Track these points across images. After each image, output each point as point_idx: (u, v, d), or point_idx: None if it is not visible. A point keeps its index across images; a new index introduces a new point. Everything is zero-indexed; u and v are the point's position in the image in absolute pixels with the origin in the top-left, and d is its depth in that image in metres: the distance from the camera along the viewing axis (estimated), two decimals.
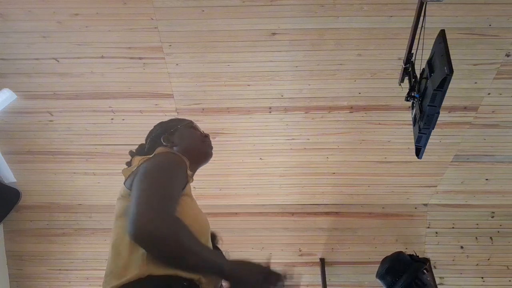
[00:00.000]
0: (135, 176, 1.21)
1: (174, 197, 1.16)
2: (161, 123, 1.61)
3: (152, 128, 1.61)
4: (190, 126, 1.57)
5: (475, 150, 3.58)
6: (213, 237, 2.27)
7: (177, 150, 1.42)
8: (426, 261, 2.48)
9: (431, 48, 2.14)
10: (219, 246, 2.21)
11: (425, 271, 2.43)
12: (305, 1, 2.80)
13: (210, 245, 1.27)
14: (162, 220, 1.03)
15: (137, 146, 1.55)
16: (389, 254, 2.61)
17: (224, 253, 2.20)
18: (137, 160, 1.31)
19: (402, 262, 2.45)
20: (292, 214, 4.05)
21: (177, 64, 3.13)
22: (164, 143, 1.47)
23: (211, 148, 1.54)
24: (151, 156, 1.31)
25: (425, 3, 2.05)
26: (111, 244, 1.18)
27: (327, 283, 3.97)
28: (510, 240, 4.02)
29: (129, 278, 1.06)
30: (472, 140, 3.50)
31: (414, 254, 2.51)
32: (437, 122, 2.08)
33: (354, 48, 3.03)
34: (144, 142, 1.58)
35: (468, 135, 3.47)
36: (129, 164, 1.43)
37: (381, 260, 2.65)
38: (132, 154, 1.51)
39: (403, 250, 4.10)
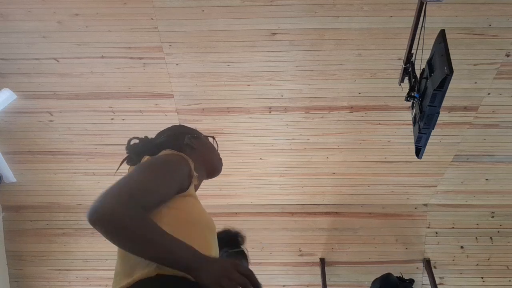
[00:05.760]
0: None
1: (158, 193, 1.14)
2: (183, 125, 1.60)
3: (170, 126, 1.57)
4: (212, 140, 1.60)
5: (475, 150, 3.58)
6: (235, 236, 2.24)
7: (194, 155, 1.40)
8: (412, 282, 2.64)
9: (431, 48, 2.14)
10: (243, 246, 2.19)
11: None
12: (305, 1, 2.80)
13: (216, 246, 1.26)
14: (124, 209, 1.01)
15: (136, 141, 1.46)
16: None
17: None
18: (145, 159, 1.31)
19: (390, 284, 2.61)
20: (292, 214, 4.05)
21: (177, 64, 3.13)
22: (186, 142, 1.45)
23: (222, 166, 1.58)
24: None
25: (425, 3, 2.05)
26: None
27: (327, 283, 3.97)
28: (510, 240, 4.02)
29: (138, 277, 1.06)
30: (472, 140, 3.50)
31: (401, 276, 2.67)
32: (437, 122, 2.08)
33: (354, 48, 3.03)
34: (150, 137, 1.54)
35: (468, 135, 3.47)
36: (134, 164, 1.41)
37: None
38: (131, 150, 1.44)
39: (403, 250, 4.14)
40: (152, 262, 1.05)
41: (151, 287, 1.04)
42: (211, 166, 1.51)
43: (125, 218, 1.01)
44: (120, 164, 1.42)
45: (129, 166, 1.38)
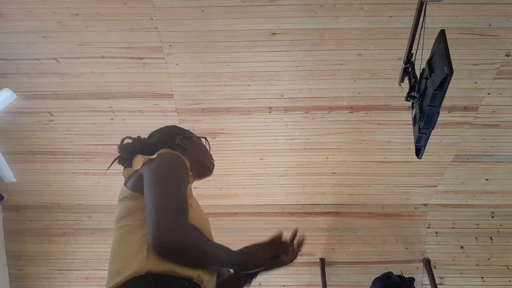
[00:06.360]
0: (142, 178, 1.21)
1: (187, 201, 1.18)
2: (176, 126, 1.61)
3: (163, 126, 1.58)
4: (205, 141, 1.60)
5: (475, 150, 3.58)
6: None
7: (185, 155, 1.41)
8: (413, 280, 2.65)
9: (431, 48, 2.14)
10: None
11: None
12: (305, 1, 2.80)
13: None
14: (184, 230, 1.07)
15: (129, 140, 1.48)
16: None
17: None
18: (140, 161, 1.30)
19: (391, 284, 2.62)
20: (292, 214, 4.05)
21: (177, 64, 3.13)
22: (177, 142, 1.46)
23: (214, 167, 1.58)
24: (154, 157, 1.31)
25: (425, 3, 2.05)
26: (112, 246, 1.19)
27: (327, 283, 3.97)
28: (510, 240, 4.02)
29: (128, 275, 1.07)
30: (472, 140, 3.50)
31: (401, 274, 2.69)
32: (437, 122, 2.08)
33: (354, 48, 3.03)
34: (143, 136, 1.54)
35: (468, 135, 3.47)
36: (125, 163, 1.41)
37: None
38: (123, 149, 1.45)
39: (403, 250, 4.13)
40: (143, 260, 1.07)
41: (141, 284, 1.06)
42: (202, 167, 1.51)
43: (188, 238, 1.08)
44: (111, 163, 1.43)
45: (123, 169, 1.38)
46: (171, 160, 1.27)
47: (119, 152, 1.44)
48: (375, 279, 2.70)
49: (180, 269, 1.09)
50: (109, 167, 1.42)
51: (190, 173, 1.34)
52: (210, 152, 1.59)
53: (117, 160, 1.44)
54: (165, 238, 1.04)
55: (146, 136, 1.52)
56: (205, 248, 1.11)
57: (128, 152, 1.42)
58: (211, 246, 1.14)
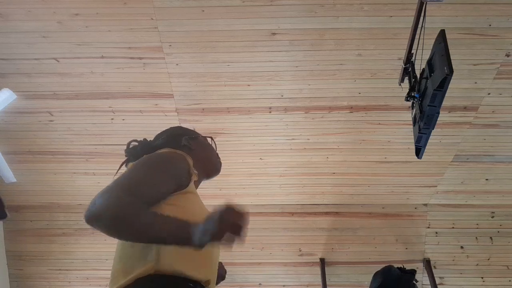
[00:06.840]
0: None
1: (154, 187, 1.16)
2: (181, 127, 1.62)
3: (168, 128, 1.59)
4: (211, 141, 1.62)
5: (475, 150, 3.58)
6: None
7: (192, 155, 1.41)
8: (414, 272, 2.62)
9: (431, 48, 2.14)
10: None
11: (415, 282, 2.56)
12: (305, 1, 2.80)
13: (217, 249, 1.27)
14: (121, 203, 1.05)
15: (135, 143, 1.49)
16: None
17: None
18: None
19: (393, 277, 2.60)
20: (292, 214, 4.05)
21: (177, 64, 3.13)
22: (183, 143, 1.46)
23: (221, 165, 1.59)
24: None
25: (425, 3, 2.05)
26: (119, 246, 1.19)
27: (327, 283, 3.97)
28: (510, 240, 4.02)
29: (136, 275, 1.07)
30: (472, 140, 3.50)
31: (403, 267, 2.65)
32: (437, 122, 2.08)
33: (354, 48, 3.03)
34: (149, 139, 1.55)
35: (468, 135, 3.47)
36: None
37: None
38: (130, 153, 1.47)
39: (403, 250, 4.13)
40: (150, 260, 1.07)
41: (149, 285, 1.06)
42: (210, 166, 1.52)
43: (121, 210, 1.04)
44: (120, 167, 1.43)
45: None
46: (164, 154, 1.29)
47: (126, 155, 1.45)
48: (376, 273, 2.69)
49: (188, 271, 1.09)
50: (117, 171, 1.42)
51: (196, 171, 1.35)
52: (217, 152, 1.60)
53: (124, 164, 1.45)
54: (93, 208, 1.07)
55: (152, 139, 1.53)
56: (142, 219, 1.04)
57: (134, 155, 1.43)
58: (160, 221, 1.05)
